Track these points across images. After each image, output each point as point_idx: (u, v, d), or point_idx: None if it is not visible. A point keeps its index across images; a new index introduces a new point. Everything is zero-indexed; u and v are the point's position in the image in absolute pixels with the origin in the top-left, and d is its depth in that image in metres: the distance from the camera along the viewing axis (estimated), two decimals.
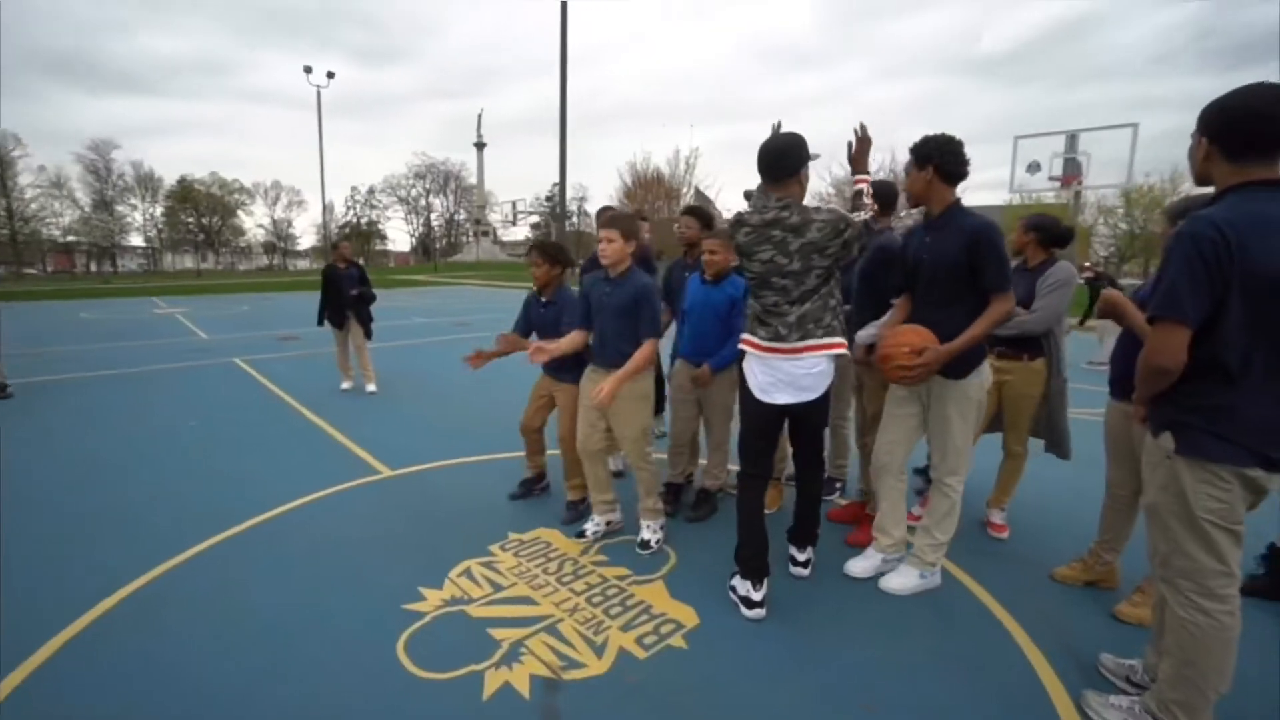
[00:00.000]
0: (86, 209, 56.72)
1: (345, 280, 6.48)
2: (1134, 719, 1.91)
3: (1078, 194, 13.69)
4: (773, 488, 3.66)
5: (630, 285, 2.94)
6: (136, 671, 2.20)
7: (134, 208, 61.19)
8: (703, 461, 3.76)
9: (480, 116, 63.35)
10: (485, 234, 64.66)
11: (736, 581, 2.63)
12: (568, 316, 3.29)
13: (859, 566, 2.92)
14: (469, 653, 2.31)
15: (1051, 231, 3.12)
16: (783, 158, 2.48)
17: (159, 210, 62.86)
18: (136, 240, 63.61)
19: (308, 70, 31.92)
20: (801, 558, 2.90)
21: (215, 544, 3.17)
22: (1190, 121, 1.74)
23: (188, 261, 65.68)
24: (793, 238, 2.42)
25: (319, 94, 32.22)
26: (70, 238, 56.39)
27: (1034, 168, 12.87)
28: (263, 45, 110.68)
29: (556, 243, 3.56)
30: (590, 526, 3.29)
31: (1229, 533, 1.69)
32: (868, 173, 2.62)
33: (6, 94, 77.06)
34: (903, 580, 2.78)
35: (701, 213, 3.83)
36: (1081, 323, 11.23)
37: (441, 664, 2.24)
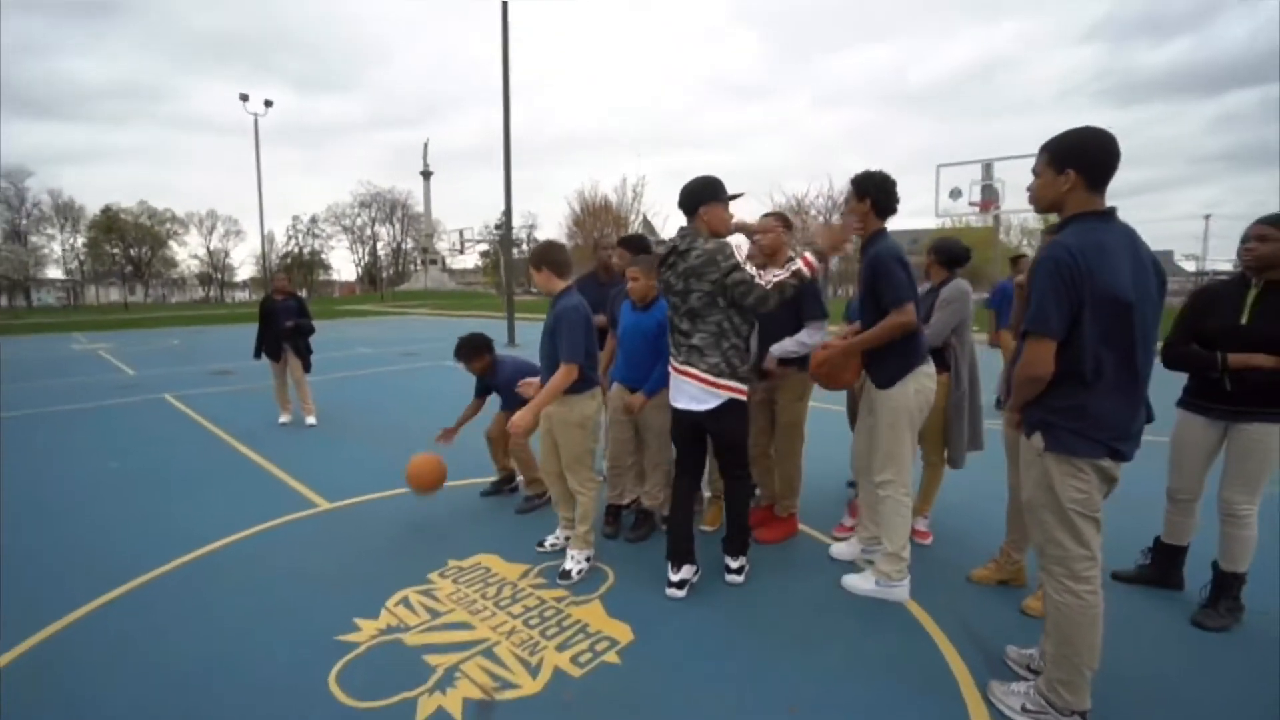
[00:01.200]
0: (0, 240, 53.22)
1: (282, 312, 6.36)
2: (1029, 701, 2.08)
3: (996, 218, 14.64)
4: (713, 505, 3.79)
5: (554, 308, 3.08)
6: (65, 711, 2.11)
7: (51, 238, 57.95)
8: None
9: (426, 145, 63.14)
10: (433, 262, 63.87)
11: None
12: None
13: (841, 550, 3.33)
14: (402, 680, 2.30)
15: (949, 253, 3.39)
16: (689, 195, 2.82)
17: (80, 241, 59.63)
18: (55, 273, 60.04)
19: (244, 98, 31.16)
20: (734, 565, 3.03)
21: (133, 588, 3.05)
22: None
23: (114, 294, 62.18)
24: (680, 262, 2.75)
25: (256, 122, 31.47)
26: None
27: (955, 194, 13.79)
28: (193, 71, 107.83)
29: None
30: (550, 539, 3.44)
31: (1091, 520, 1.90)
32: (823, 260, 2.75)
33: None
34: (859, 582, 2.96)
35: (634, 241, 3.96)
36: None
37: (374, 693, 2.23)
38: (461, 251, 45.11)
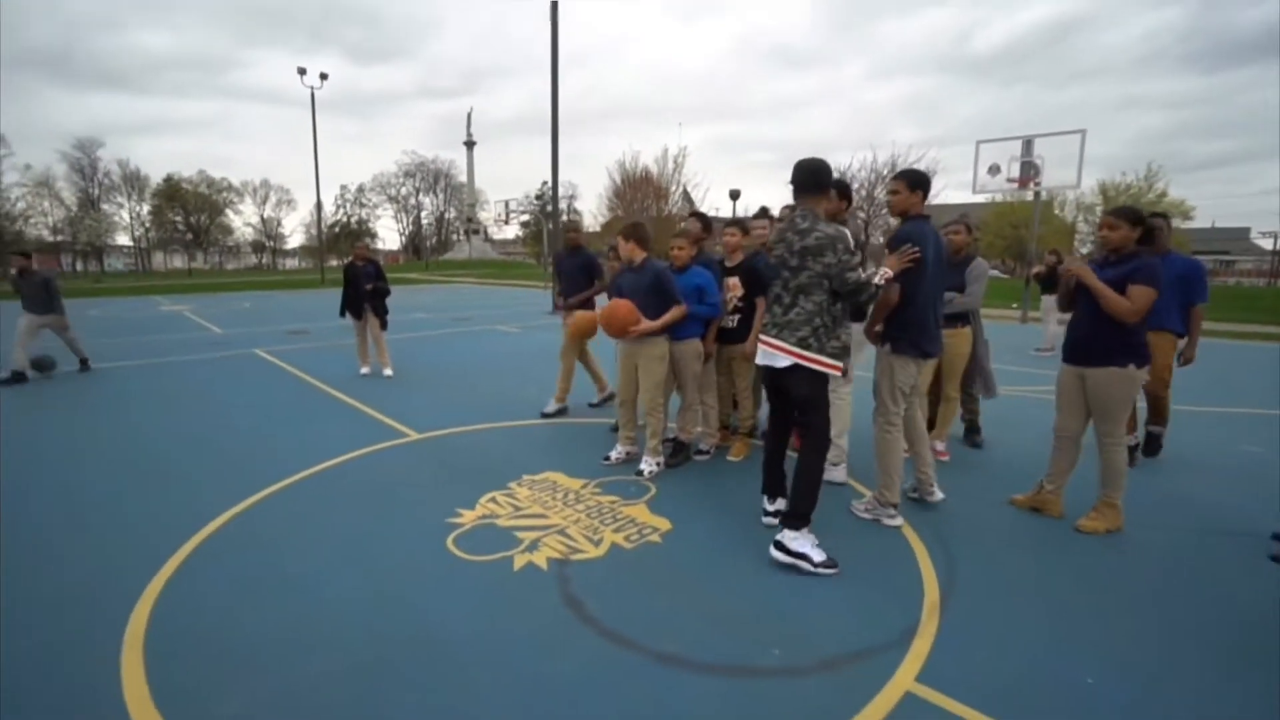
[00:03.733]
0: (73, 208, 56.66)
1: (363, 276, 7.26)
2: (871, 505, 3.27)
3: (1037, 194, 14.63)
4: (740, 440, 4.52)
5: (645, 271, 4.07)
6: (250, 571, 3.01)
7: (120, 206, 61.14)
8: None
9: (470, 115, 63.94)
10: (476, 232, 65.16)
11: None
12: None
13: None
14: (501, 545, 3.13)
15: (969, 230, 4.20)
16: (813, 174, 3.01)
17: (146, 209, 62.76)
18: (124, 239, 63.49)
19: (302, 72, 32.31)
20: (770, 508, 3.37)
21: (278, 489, 3.97)
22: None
23: (176, 261, 65.61)
24: (798, 240, 2.96)
25: (313, 95, 32.64)
26: (59, 237, 56.21)
27: (994, 170, 13.85)
28: (253, 43, 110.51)
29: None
30: (613, 454, 4.39)
31: (903, 392, 3.32)
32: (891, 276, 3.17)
33: None
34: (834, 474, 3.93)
35: (702, 216, 4.70)
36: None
37: (481, 551, 3.07)
38: (507, 222, 46.09)
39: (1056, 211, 45.16)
